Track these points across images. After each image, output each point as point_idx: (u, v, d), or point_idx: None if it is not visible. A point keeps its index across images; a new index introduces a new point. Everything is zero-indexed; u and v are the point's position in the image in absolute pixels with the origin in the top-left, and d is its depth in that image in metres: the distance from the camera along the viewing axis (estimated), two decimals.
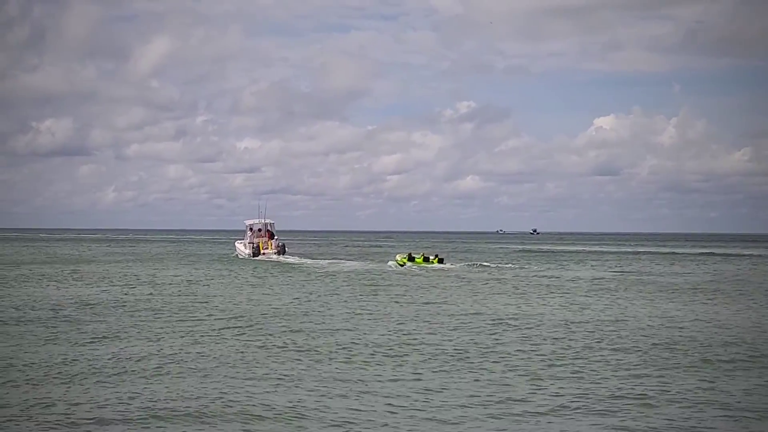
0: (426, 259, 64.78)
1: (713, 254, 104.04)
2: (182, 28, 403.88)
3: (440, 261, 65.34)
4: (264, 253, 78.35)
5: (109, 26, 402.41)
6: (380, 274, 54.95)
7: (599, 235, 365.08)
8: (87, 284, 44.17)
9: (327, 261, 75.75)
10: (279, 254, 78.41)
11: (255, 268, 62.33)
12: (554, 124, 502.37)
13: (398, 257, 66.93)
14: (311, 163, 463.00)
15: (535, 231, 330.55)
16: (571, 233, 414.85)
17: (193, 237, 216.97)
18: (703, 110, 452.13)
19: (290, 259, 76.17)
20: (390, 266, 64.09)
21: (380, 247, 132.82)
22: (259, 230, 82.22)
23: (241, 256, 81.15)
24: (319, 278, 51.26)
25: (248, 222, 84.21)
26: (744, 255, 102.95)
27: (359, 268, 62.68)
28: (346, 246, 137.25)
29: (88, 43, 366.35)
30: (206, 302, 34.67)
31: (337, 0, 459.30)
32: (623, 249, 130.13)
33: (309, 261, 74.83)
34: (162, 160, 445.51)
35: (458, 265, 66.06)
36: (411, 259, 64.93)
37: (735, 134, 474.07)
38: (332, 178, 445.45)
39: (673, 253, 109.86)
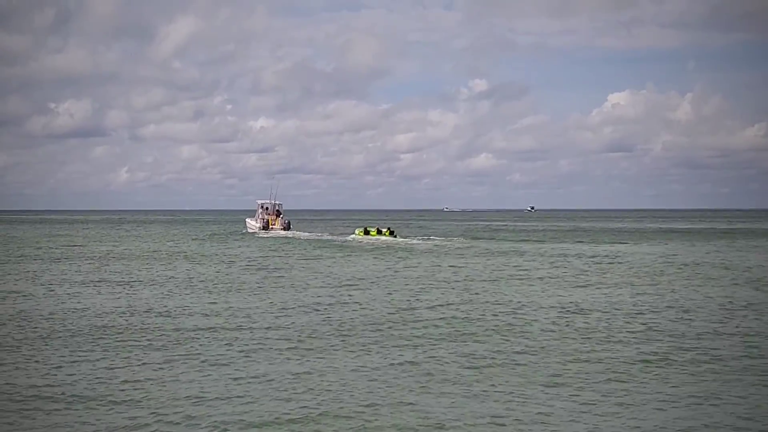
0: (379, 232, 78.66)
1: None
2: (207, 7, 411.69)
3: (392, 233, 78.44)
4: (272, 228, 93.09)
5: (136, 6, 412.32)
6: (337, 243, 70.52)
7: (600, 211, 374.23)
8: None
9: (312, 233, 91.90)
10: (284, 230, 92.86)
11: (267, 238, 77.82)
12: (570, 101, 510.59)
13: (357, 231, 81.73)
14: (325, 142, 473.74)
15: (532, 208, 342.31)
16: (577, 210, 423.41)
17: (203, 217, 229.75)
18: (717, 86, 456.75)
19: (294, 234, 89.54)
20: (350, 239, 77.52)
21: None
22: (268, 209, 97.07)
23: (251, 231, 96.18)
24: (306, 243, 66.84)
25: (260, 201, 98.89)
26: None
27: (329, 238, 79.29)
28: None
29: (113, 24, 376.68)
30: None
31: None
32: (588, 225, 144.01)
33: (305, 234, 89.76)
34: (177, 140, 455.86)
35: (411, 239, 78.61)
36: (366, 232, 79.40)
37: (750, 110, 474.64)
38: (345, 157, 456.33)
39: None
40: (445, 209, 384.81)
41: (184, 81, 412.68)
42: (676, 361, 17.80)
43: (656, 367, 17.20)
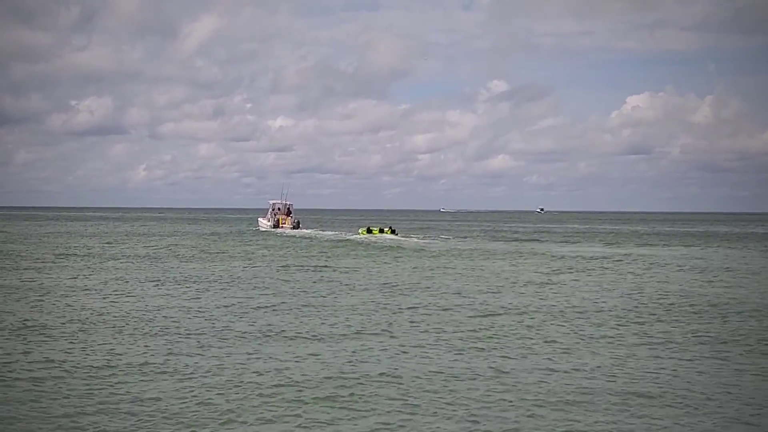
0: (381, 231, 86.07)
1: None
2: (231, 5, 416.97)
3: (393, 232, 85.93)
4: (282, 227, 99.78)
5: (160, 4, 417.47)
6: (344, 240, 77.01)
7: (615, 213, 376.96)
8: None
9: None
10: (294, 228, 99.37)
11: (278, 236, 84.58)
12: (590, 103, 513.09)
13: (360, 230, 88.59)
14: (344, 141, 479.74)
15: (542, 209, 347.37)
16: (592, 212, 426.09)
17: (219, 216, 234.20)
18: (738, 89, 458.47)
19: (303, 232, 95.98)
20: (355, 237, 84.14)
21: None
22: (279, 209, 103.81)
23: (263, 229, 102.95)
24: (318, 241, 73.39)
25: (271, 201, 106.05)
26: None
27: (334, 237, 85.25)
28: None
29: (137, 22, 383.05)
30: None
31: None
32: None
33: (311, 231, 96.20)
34: (196, 138, 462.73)
35: (412, 237, 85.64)
36: (369, 231, 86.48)
37: None
38: (363, 157, 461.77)
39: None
40: (442, 209, 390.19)
41: (206, 79, 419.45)
42: None
43: None
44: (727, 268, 46.95)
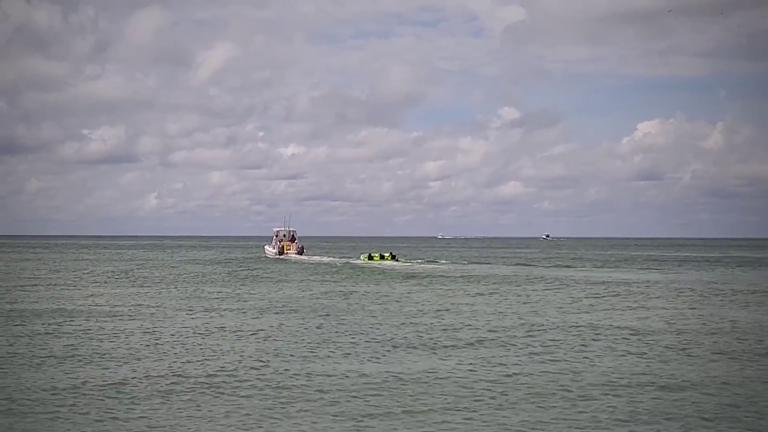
0: (382, 257, 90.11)
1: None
2: (244, 33, 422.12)
3: (393, 258, 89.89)
4: (287, 253, 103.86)
5: (174, 33, 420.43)
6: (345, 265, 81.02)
7: (624, 239, 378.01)
8: None
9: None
10: (298, 254, 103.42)
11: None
12: (601, 129, 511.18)
13: (362, 256, 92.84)
14: (355, 169, 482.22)
15: (547, 236, 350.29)
16: (601, 239, 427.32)
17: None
18: (749, 115, 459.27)
19: (311, 258, 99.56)
20: (357, 261, 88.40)
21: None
22: (284, 236, 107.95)
23: (269, 255, 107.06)
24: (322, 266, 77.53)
25: (275, 229, 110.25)
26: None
27: (336, 262, 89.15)
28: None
29: (152, 51, 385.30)
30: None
31: (374, 6, 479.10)
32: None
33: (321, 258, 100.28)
34: (207, 166, 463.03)
35: (409, 262, 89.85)
36: (370, 257, 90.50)
37: None
38: (374, 184, 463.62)
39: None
40: (439, 236, 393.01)
41: (219, 107, 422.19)
42: None
43: None
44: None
